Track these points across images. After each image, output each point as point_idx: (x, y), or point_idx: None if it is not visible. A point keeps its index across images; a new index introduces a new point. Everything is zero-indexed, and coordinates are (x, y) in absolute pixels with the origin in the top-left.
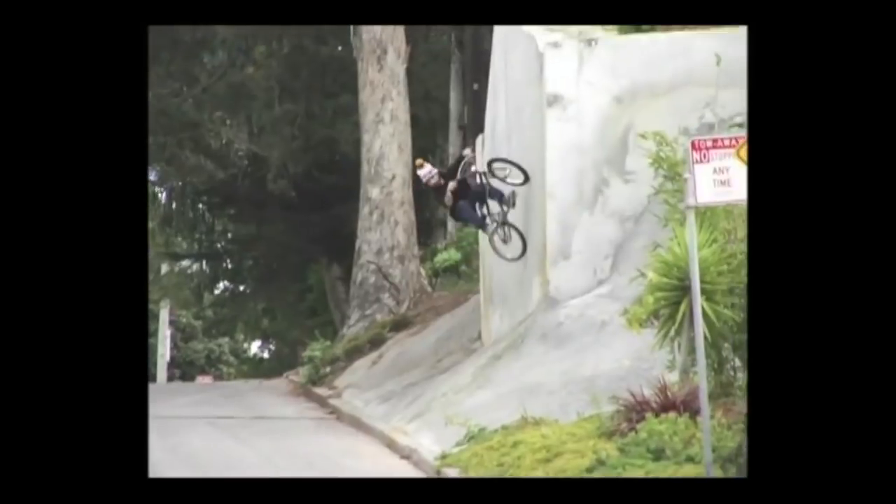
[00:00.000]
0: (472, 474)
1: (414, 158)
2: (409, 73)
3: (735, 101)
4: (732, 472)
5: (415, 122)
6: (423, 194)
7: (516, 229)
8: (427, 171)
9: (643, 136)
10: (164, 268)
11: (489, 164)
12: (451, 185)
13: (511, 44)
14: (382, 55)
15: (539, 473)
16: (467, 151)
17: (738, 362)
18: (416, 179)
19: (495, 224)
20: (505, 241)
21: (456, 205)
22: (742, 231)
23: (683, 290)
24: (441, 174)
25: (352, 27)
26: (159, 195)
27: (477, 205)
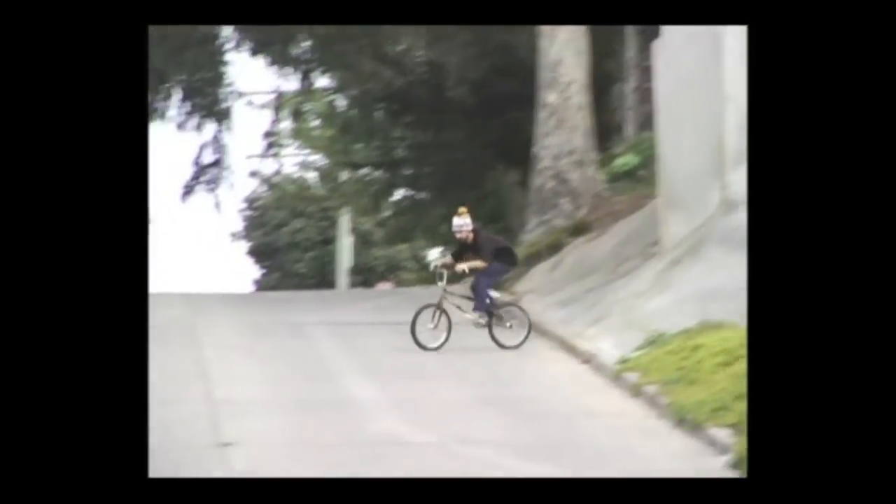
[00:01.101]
0: (652, 378)
1: (591, 63)
2: None
3: None
4: None
5: (592, 26)
6: (601, 99)
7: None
8: (463, 221)
9: None
10: (344, 175)
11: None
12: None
13: None
14: None
15: (719, 377)
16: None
17: None
18: (594, 84)
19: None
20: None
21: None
22: None
23: None
24: (474, 231)
25: None
26: (338, 103)
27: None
